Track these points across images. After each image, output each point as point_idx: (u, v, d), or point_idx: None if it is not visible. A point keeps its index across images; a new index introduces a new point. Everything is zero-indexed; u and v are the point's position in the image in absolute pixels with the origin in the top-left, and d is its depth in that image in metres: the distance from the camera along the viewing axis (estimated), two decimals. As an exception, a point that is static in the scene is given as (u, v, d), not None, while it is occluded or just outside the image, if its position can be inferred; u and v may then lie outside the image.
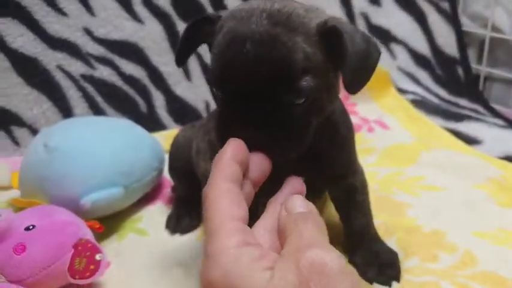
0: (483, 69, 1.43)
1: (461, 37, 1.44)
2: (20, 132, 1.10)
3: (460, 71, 1.44)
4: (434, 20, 1.44)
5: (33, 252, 0.68)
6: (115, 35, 1.15)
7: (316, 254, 0.33)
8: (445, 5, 1.43)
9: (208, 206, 0.38)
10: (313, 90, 0.49)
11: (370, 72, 0.53)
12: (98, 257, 0.69)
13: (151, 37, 1.18)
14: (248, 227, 0.37)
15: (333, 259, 0.34)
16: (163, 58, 1.21)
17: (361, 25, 1.43)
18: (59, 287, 0.71)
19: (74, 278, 0.66)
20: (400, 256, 0.75)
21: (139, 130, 0.97)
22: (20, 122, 1.09)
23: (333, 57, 0.51)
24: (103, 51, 1.15)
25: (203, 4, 1.25)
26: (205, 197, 0.39)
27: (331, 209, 0.81)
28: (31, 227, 0.71)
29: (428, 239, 0.80)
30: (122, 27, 1.16)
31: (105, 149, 0.85)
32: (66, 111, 1.13)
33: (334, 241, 0.75)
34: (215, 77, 0.50)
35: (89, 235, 0.75)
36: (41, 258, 0.68)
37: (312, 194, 0.77)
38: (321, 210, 0.87)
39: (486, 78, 1.45)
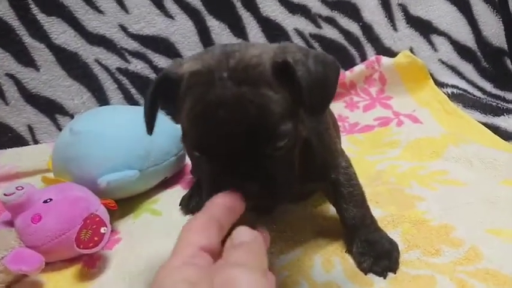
0: (536, 61, 1.32)
1: (511, 27, 1.34)
2: (63, 120, 1.22)
3: (508, 63, 1.34)
4: (480, 9, 1.35)
5: (48, 222, 0.76)
6: (147, 31, 1.23)
7: (230, 274, 0.36)
8: (492, -7, 1.34)
9: (181, 233, 0.42)
10: (291, 131, 0.52)
11: (330, 92, 0.54)
12: (102, 230, 0.75)
13: (181, 32, 1.24)
14: (203, 253, 0.40)
15: (249, 279, 0.36)
16: (192, 51, 1.26)
17: (399, 17, 1.38)
18: (69, 256, 0.79)
19: (79, 248, 0.73)
20: (402, 248, 0.73)
21: (160, 118, 1.01)
22: (63, 110, 1.21)
23: (293, 89, 0.52)
24: (137, 46, 1.23)
25: (233, 1, 1.29)
26: (183, 226, 0.43)
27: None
28: (48, 200, 0.79)
29: (435, 232, 0.77)
30: (153, 23, 1.23)
31: (124, 134, 0.91)
32: (104, 102, 1.23)
33: (335, 232, 0.77)
34: (195, 145, 0.51)
35: (100, 211, 0.82)
36: (54, 228, 0.76)
37: (298, 193, 0.80)
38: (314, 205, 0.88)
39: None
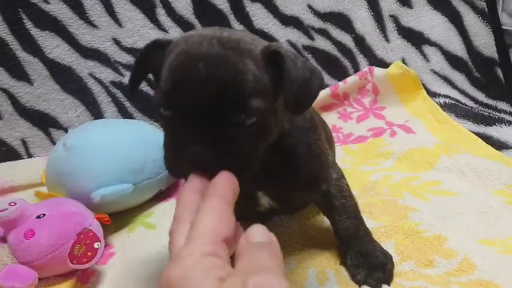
0: (527, 70, 1.33)
1: (502, 37, 1.35)
2: (57, 134, 1.22)
3: (499, 72, 1.35)
4: (471, 20, 1.37)
5: (41, 238, 0.76)
6: (141, 44, 1.24)
7: (265, 280, 0.35)
8: (482, 4, 1.35)
9: (199, 218, 0.40)
10: (261, 112, 0.51)
11: (310, 98, 0.55)
12: (96, 245, 0.75)
13: (175, 45, 1.25)
14: (224, 244, 0.39)
15: (280, 285, 0.34)
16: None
17: (391, 28, 1.40)
18: (63, 272, 0.78)
19: (72, 263, 0.73)
20: (396, 259, 0.73)
21: (154, 131, 1.03)
22: (57, 124, 1.21)
23: (276, 84, 0.53)
24: (130, 59, 1.24)
25: (225, 13, 1.30)
26: (200, 209, 0.41)
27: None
28: (42, 215, 0.79)
29: (428, 243, 0.77)
30: (147, 36, 1.24)
31: (117, 148, 0.92)
32: (98, 115, 1.23)
33: (329, 244, 0.77)
34: (165, 95, 0.51)
35: (94, 226, 0.81)
36: (47, 243, 0.76)
37: (289, 204, 0.80)
38: (307, 216, 0.88)
39: (531, 80, 1.35)
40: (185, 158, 0.49)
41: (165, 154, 0.53)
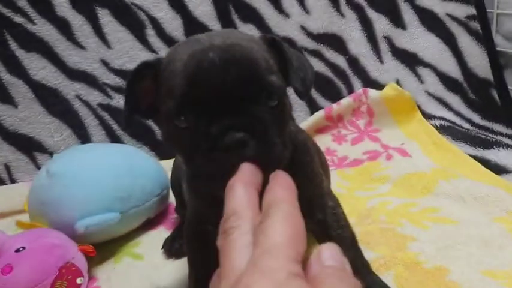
0: (522, 92, 1.32)
1: (496, 58, 1.34)
2: (42, 158, 1.18)
3: (495, 94, 1.34)
4: (465, 41, 1.36)
5: (19, 273, 0.71)
6: (130, 66, 1.21)
7: None
8: (476, 25, 1.35)
9: (273, 225, 0.35)
10: (280, 89, 0.50)
11: (310, 80, 0.57)
12: (78, 280, 0.71)
13: (165, 67, 1.22)
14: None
15: None
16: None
17: (385, 49, 1.39)
18: (43, 308, 0.73)
19: (53, 300, 0.68)
20: (396, 293, 0.69)
21: (142, 156, 1.00)
22: (42, 148, 1.17)
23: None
24: (119, 81, 1.21)
25: (217, 33, 1.28)
26: (269, 214, 0.36)
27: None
28: (21, 249, 0.74)
29: (429, 275, 0.73)
30: (136, 58, 1.21)
31: (104, 174, 0.88)
32: (85, 139, 1.19)
33: None
34: (182, 98, 0.47)
35: (77, 259, 0.77)
36: (25, 279, 0.71)
37: None
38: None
39: (526, 102, 1.34)
40: (225, 149, 0.45)
41: (193, 168, 0.49)
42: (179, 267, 0.84)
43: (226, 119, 0.45)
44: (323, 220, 0.68)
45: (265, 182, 0.40)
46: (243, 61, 0.47)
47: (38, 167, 1.17)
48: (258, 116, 0.47)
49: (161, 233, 0.96)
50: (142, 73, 0.54)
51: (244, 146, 0.44)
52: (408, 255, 0.78)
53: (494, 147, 1.14)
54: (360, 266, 0.70)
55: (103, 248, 0.88)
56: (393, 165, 1.13)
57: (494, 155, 1.11)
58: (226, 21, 1.29)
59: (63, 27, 1.18)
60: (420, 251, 0.80)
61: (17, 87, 1.16)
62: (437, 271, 0.74)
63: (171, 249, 0.87)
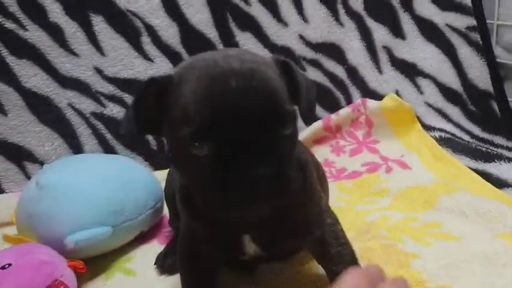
0: (523, 103, 1.31)
1: (496, 69, 1.33)
2: (32, 168, 1.14)
3: (495, 106, 1.32)
4: (464, 52, 1.35)
5: (5, 292, 0.68)
6: (125, 74, 1.18)
7: None
8: (476, 36, 1.34)
9: None
10: (295, 118, 0.51)
11: (315, 102, 0.60)
12: (67, 299, 0.68)
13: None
14: None
15: None
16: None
17: (384, 59, 1.37)
18: (29, 328, 0.70)
19: (39, 321, 0.65)
20: (398, 315, 0.66)
21: (136, 167, 0.97)
22: (32, 158, 1.14)
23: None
24: (113, 90, 1.18)
25: (214, 42, 1.26)
26: None
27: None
28: (7, 266, 0.71)
29: (433, 296, 0.71)
30: (131, 66, 1.19)
31: (95, 187, 0.85)
32: (77, 148, 1.16)
33: None
34: (202, 126, 0.46)
35: (66, 276, 0.74)
36: (11, 299, 0.67)
37: (277, 252, 0.74)
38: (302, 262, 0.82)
39: (527, 114, 1.33)
40: (253, 185, 0.46)
41: (208, 194, 0.49)
42: (172, 284, 0.81)
43: (248, 150, 0.46)
44: (321, 238, 0.66)
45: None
46: (265, 91, 0.47)
47: (28, 177, 1.13)
48: (277, 146, 0.48)
49: (154, 247, 0.92)
50: (149, 90, 0.52)
51: (267, 180, 0.46)
52: (411, 274, 0.76)
53: (496, 160, 1.12)
54: (360, 286, 0.68)
55: (94, 263, 0.85)
56: (393, 177, 1.11)
57: (496, 168, 1.10)
58: (223, 30, 1.27)
59: (56, 33, 1.15)
60: (422, 269, 0.77)
61: (8, 95, 1.12)
62: (440, 291, 0.72)
63: (163, 265, 0.84)
